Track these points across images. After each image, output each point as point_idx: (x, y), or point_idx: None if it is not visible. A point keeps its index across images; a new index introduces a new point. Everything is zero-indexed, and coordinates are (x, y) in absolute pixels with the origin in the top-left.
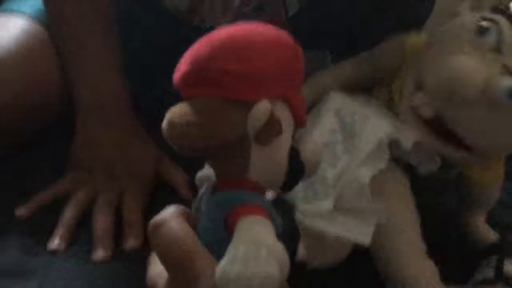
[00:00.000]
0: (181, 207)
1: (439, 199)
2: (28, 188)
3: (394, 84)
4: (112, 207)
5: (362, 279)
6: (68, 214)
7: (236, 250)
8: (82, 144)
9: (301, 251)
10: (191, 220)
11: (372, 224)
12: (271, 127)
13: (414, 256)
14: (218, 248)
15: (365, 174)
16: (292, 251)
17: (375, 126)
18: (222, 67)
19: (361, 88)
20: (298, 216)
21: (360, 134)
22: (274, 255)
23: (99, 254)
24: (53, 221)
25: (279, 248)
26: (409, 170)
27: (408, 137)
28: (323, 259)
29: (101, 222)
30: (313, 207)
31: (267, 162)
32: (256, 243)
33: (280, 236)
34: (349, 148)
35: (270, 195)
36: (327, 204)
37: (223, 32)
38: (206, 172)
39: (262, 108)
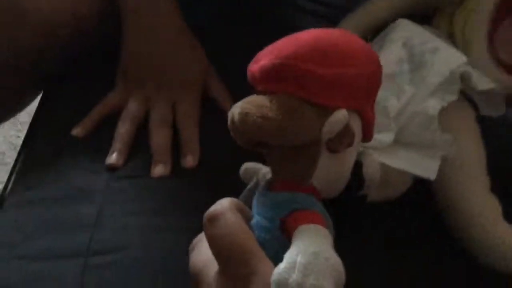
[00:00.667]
0: (235, 199)
1: (505, 135)
2: (84, 107)
3: (456, 17)
4: (167, 120)
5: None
6: (122, 128)
7: (296, 257)
8: (130, 54)
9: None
10: (244, 214)
11: (438, 158)
12: (345, 136)
13: (479, 191)
14: (269, 246)
15: (434, 105)
16: (353, 184)
17: (447, 57)
18: (310, 68)
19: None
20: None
21: (430, 65)
22: (333, 269)
23: (158, 170)
24: (109, 139)
25: (338, 262)
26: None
27: (484, 81)
28: (384, 193)
29: (158, 137)
30: (373, 139)
31: (332, 170)
32: (316, 255)
33: None
34: (416, 80)
35: None
36: (388, 137)
37: (312, 34)
38: (254, 165)
39: (341, 116)
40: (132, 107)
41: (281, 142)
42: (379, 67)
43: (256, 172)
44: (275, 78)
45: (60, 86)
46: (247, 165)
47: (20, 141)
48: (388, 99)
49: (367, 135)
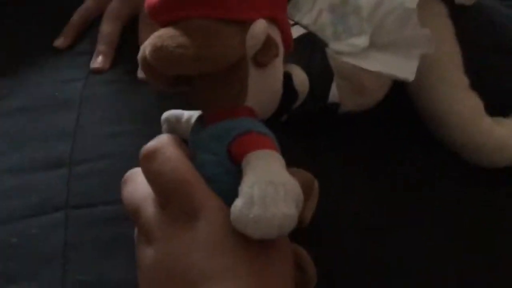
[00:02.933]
0: (174, 135)
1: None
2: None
3: None
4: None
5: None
6: (107, 29)
7: (251, 189)
8: None
9: (334, 92)
10: (184, 150)
11: (416, 58)
12: (269, 47)
13: (454, 89)
14: (221, 180)
15: None
16: (325, 93)
17: None
18: None
19: None
20: (330, 53)
21: None
22: (291, 193)
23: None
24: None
25: (295, 185)
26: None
27: None
28: (359, 100)
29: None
30: (346, 44)
31: (264, 86)
32: (272, 183)
33: (313, 76)
34: None
35: (296, 30)
36: (362, 40)
37: None
38: (174, 111)
39: (261, 26)
40: (117, 5)
41: (205, 69)
42: None
43: (178, 118)
44: (181, 3)
45: None
46: (168, 114)
47: None
48: None
49: (287, 44)
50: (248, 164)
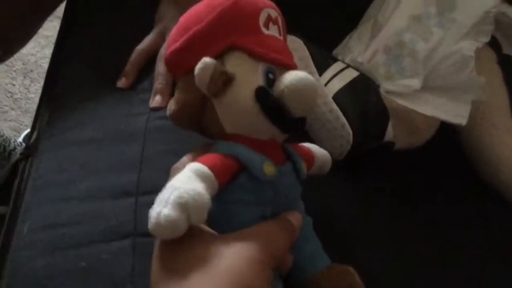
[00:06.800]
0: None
1: None
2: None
3: None
4: None
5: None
6: (162, 68)
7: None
8: (168, 3)
9: (389, 131)
10: None
11: (469, 103)
12: (216, 79)
13: (504, 135)
14: None
15: (469, 46)
16: (381, 132)
17: None
18: (169, 50)
19: None
20: (383, 94)
21: (462, 6)
22: (180, 198)
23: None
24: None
25: (189, 192)
26: (497, 46)
27: None
28: (410, 140)
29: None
30: (398, 84)
31: (230, 110)
32: (171, 187)
33: (370, 116)
34: (445, 22)
35: (350, 73)
36: (415, 82)
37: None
38: None
39: (199, 65)
40: None
41: (183, 115)
42: (230, 5)
43: None
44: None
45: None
46: None
47: (15, 89)
48: (416, 42)
49: (270, 59)
50: None
